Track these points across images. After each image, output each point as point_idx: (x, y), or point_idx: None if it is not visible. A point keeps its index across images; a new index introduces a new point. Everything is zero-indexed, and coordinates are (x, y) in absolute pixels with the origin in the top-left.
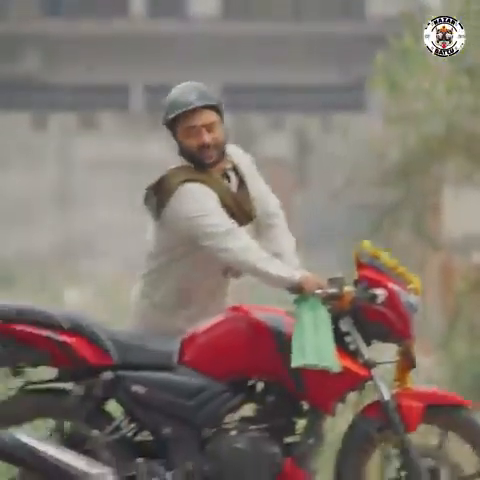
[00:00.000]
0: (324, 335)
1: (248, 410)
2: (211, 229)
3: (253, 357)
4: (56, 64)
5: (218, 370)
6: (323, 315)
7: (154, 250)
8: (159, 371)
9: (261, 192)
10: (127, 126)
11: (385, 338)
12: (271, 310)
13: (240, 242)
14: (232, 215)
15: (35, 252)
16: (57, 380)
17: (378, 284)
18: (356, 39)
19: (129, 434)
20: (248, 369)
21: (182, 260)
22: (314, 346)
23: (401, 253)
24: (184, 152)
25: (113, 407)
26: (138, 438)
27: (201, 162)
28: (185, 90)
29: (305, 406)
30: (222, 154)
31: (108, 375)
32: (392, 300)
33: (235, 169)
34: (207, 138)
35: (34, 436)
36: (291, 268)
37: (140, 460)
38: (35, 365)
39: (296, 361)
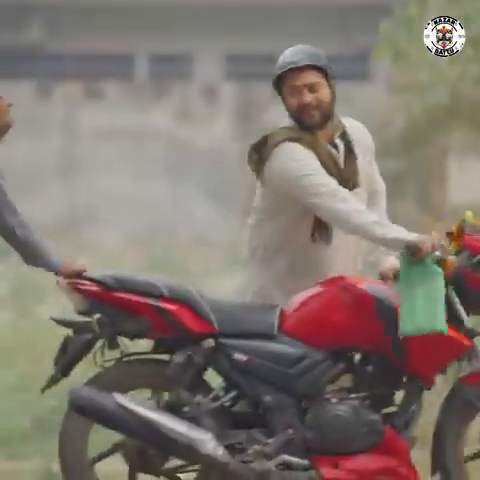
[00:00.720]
0: (437, 297)
1: (347, 380)
2: (317, 189)
3: (354, 326)
4: (61, 33)
5: (319, 339)
6: (437, 276)
7: (256, 207)
8: (259, 340)
9: (372, 169)
10: (132, 95)
11: None
12: (371, 281)
13: (349, 204)
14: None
15: (39, 222)
16: (153, 352)
17: None
18: (360, 8)
19: (228, 402)
20: (349, 338)
21: (275, 217)
22: (425, 310)
23: (405, 223)
24: (289, 112)
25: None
26: (237, 406)
27: (302, 122)
28: (294, 51)
29: (404, 376)
30: (327, 117)
31: (210, 343)
32: None
33: (344, 137)
34: (308, 98)
35: (135, 402)
36: (404, 229)
37: (240, 429)
38: (134, 334)
39: (405, 329)
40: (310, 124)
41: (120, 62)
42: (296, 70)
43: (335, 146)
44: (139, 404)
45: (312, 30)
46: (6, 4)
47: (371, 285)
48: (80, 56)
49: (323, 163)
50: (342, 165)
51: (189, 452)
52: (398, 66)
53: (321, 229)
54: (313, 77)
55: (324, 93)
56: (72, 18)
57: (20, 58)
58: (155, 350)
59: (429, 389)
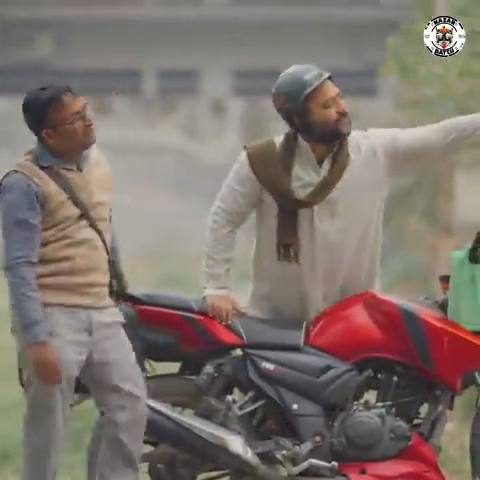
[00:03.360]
0: None
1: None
2: (214, 203)
3: (379, 336)
4: (69, 49)
5: (345, 350)
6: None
7: None
8: (286, 351)
9: (383, 171)
10: (140, 111)
11: None
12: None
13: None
14: (276, 193)
15: None
16: (179, 374)
17: None
18: (370, 25)
19: (257, 410)
20: (374, 348)
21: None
22: (471, 306)
23: (414, 239)
24: (314, 130)
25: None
26: (264, 414)
27: (339, 132)
28: (301, 69)
29: (430, 385)
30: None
31: (238, 353)
32: None
33: (336, 159)
34: (344, 105)
35: (167, 407)
36: None
37: (267, 437)
38: (164, 348)
39: (468, 323)
40: (348, 131)
41: (128, 78)
42: (326, 82)
43: (320, 165)
44: (170, 409)
45: (320, 46)
46: (15, 21)
47: (397, 299)
48: (88, 72)
49: (270, 178)
50: (306, 187)
51: (220, 453)
52: (406, 82)
53: (286, 247)
54: (336, 87)
55: None
56: (80, 34)
57: (29, 74)
58: (181, 372)
59: (454, 396)
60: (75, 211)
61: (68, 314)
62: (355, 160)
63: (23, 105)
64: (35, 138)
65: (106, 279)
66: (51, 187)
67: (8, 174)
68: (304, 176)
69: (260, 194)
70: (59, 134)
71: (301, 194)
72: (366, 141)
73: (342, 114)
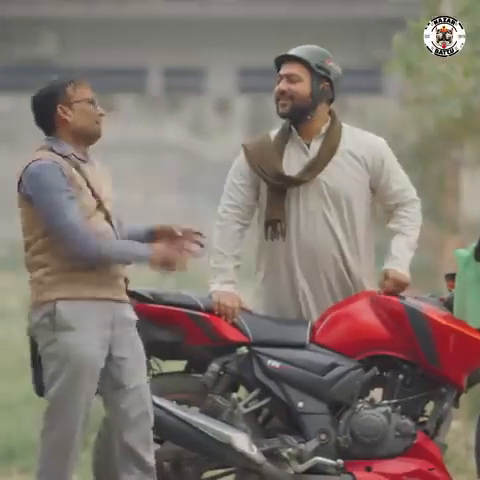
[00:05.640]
0: None
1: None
2: (221, 202)
3: (385, 334)
4: (73, 47)
5: (350, 347)
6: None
7: None
8: (292, 349)
9: (355, 181)
10: (145, 109)
11: None
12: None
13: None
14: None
15: None
16: (185, 372)
17: None
18: (375, 22)
19: (261, 409)
20: (380, 346)
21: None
22: (477, 304)
23: (419, 237)
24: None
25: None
26: (270, 412)
27: (277, 110)
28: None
29: (436, 383)
30: (300, 112)
31: (244, 351)
32: None
33: (327, 142)
34: (283, 85)
35: (172, 404)
36: None
37: (272, 435)
38: (169, 347)
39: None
40: (281, 113)
41: (133, 76)
42: (284, 61)
43: (308, 145)
44: (176, 407)
45: (326, 44)
46: (19, 19)
47: (403, 297)
48: (93, 70)
49: (263, 162)
50: (297, 167)
51: (225, 451)
52: (411, 79)
53: (273, 224)
54: (294, 69)
55: (300, 87)
56: (84, 32)
57: (33, 72)
58: (187, 370)
59: (460, 394)
60: (93, 201)
61: (95, 308)
62: (348, 149)
63: (41, 89)
64: (39, 136)
65: (124, 272)
66: (73, 173)
67: (32, 162)
68: (295, 158)
69: (259, 184)
70: (75, 111)
71: (291, 173)
72: (373, 147)
73: (278, 93)
